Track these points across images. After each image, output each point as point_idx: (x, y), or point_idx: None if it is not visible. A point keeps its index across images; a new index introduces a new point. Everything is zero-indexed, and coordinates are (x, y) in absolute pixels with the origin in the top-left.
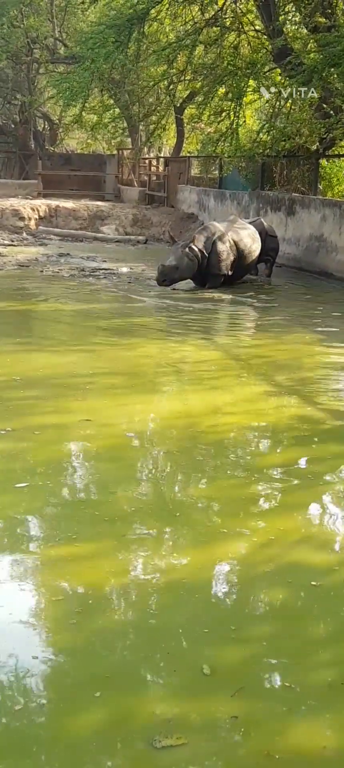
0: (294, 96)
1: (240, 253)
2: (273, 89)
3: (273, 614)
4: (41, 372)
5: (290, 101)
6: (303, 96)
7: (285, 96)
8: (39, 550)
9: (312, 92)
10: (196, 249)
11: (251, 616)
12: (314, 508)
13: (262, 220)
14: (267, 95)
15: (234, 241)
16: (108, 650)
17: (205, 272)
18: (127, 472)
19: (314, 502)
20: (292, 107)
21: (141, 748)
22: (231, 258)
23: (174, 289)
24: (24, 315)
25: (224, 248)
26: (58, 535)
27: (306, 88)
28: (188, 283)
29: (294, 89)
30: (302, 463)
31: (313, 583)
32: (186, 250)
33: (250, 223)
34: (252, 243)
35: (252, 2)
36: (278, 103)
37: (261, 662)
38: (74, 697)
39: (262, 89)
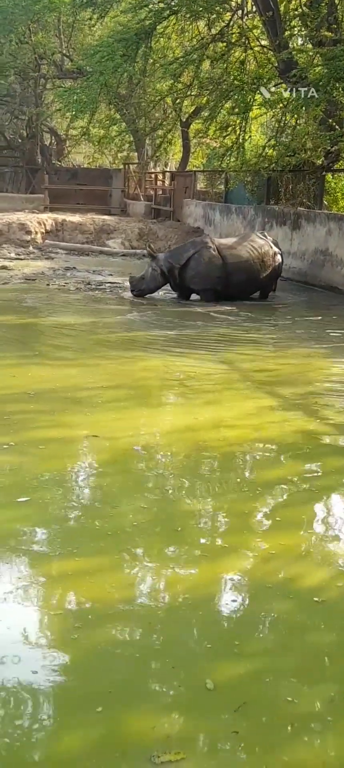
0: (295, 95)
1: (231, 269)
2: (269, 95)
3: (275, 629)
4: (46, 385)
5: (295, 116)
6: (303, 95)
7: (286, 95)
8: (39, 565)
9: (313, 92)
10: (162, 260)
11: (254, 631)
12: (316, 523)
13: (266, 234)
14: (267, 95)
15: (223, 257)
16: (110, 665)
17: (181, 285)
18: (130, 486)
19: (316, 517)
20: (298, 122)
21: (140, 765)
22: (214, 273)
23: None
24: (30, 328)
25: (200, 263)
26: (59, 549)
27: (306, 88)
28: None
29: (295, 90)
30: (305, 477)
31: (315, 598)
32: (152, 260)
33: None
34: (253, 261)
35: (259, 18)
36: (283, 117)
37: (263, 677)
38: (75, 712)
39: (262, 89)
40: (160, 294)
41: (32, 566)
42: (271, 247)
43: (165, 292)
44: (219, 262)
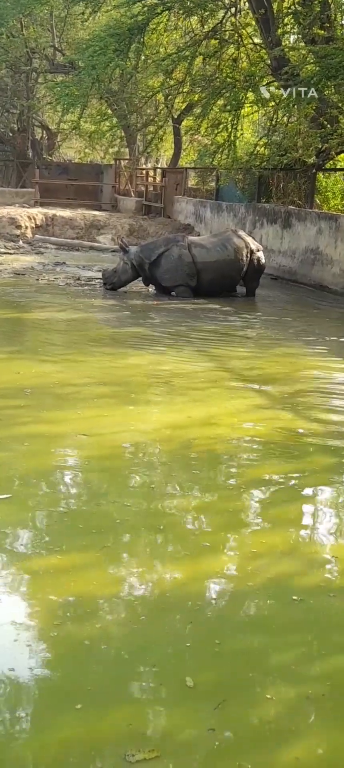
0: (294, 96)
1: (201, 267)
2: (269, 94)
3: (255, 628)
4: (34, 381)
5: (287, 114)
6: (303, 96)
7: (285, 96)
8: (20, 561)
9: (313, 92)
10: (133, 254)
11: (235, 629)
12: (300, 522)
13: (242, 232)
14: (267, 95)
15: (193, 255)
16: (90, 662)
17: (152, 280)
18: (115, 484)
19: (299, 516)
20: (289, 119)
21: (115, 763)
22: (183, 271)
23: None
24: (18, 323)
25: (169, 260)
26: (41, 546)
27: (307, 88)
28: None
29: (295, 90)
30: (289, 476)
31: (294, 597)
32: (124, 254)
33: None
34: (225, 259)
35: (252, 16)
36: (275, 116)
37: (243, 675)
38: (54, 709)
39: (262, 89)
40: (148, 291)
41: (13, 563)
42: (247, 246)
43: (153, 289)
44: (189, 260)
